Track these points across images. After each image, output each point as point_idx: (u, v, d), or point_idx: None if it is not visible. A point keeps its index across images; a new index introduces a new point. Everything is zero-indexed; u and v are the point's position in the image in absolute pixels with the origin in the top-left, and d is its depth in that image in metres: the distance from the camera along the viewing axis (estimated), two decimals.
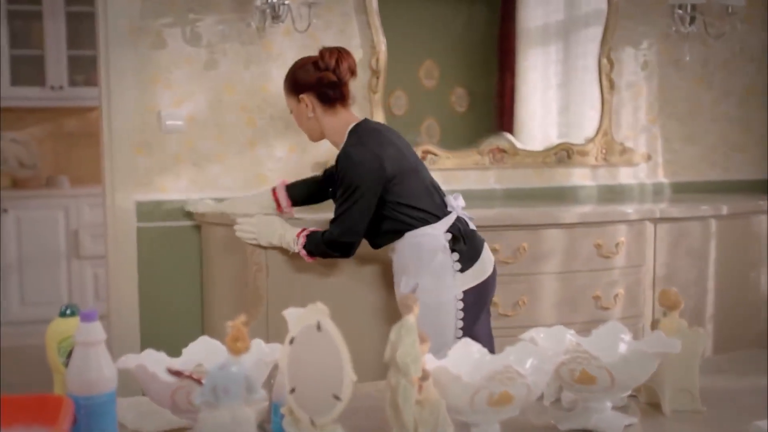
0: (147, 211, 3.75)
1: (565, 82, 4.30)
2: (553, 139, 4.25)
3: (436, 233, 2.97)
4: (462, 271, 2.97)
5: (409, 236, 2.99)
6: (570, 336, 2.08)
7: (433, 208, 3.00)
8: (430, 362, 1.83)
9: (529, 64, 4.28)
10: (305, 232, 3.11)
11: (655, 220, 3.73)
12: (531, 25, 4.28)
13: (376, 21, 3.90)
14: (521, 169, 4.18)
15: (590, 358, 1.93)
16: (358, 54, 3.93)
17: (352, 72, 3.06)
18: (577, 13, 4.30)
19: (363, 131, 3.00)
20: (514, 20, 4.25)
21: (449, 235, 2.98)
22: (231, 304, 3.52)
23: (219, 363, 1.55)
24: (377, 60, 3.93)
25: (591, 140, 4.25)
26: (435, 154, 4.06)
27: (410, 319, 1.72)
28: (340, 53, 3.05)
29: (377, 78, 3.94)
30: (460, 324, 2.97)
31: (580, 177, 4.28)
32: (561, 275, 3.58)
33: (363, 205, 2.93)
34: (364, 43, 3.94)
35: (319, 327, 1.68)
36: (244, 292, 3.38)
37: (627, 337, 2.07)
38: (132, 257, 3.74)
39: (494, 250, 3.48)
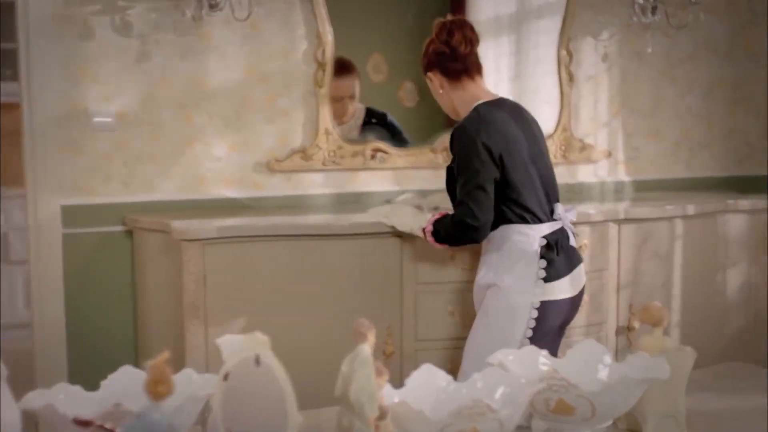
0: (74, 215, 3.47)
1: (519, 75, 4.10)
2: None
3: (532, 235, 2.85)
4: (546, 280, 2.84)
5: (505, 230, 2.87)
6: (543, 359, 1.86)
7: (536, 209, 2.87)
8: (388, 396, 1.59)
9: (480, 56, 4.05)
10: (438, 215, 2.96)
11: (619, 221, 3.54)
12: (482, 17, 4.07)
13: (322, 10, 3.66)
14: None
15: (568, 387, 1.71)
16: (302, 45, 3.69)
17: (469, 42, 2.91)
18: (530, 4, 4.09)
19: (485, 110, 2.88)
20: (465, 12, 4.04)
21: (544, 242, 2.85)
22: (166, 318, 3.26)
23: (138, 410, 1.29)
24: (323, 52, 3.68)
25: (549, 136, 4.05)
26: (385, 152, 3.82)
27: (365, 349, 1.47)
28: (453, 24, 2.94)
29: (323, 71, 3.69)
30: (530, 334, 2.83)
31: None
32: None
33: (479, 181, 2.79)
34: (309, 34, 3.70)
35: (257, 361, 1.43)
36: (179, 304, 3.12)
37: (608, 359, 1.85)
38: (57, 266, 3.46)
39: (451, 256, 3.27)
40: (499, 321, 2.84)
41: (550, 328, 2.89)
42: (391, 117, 3.94)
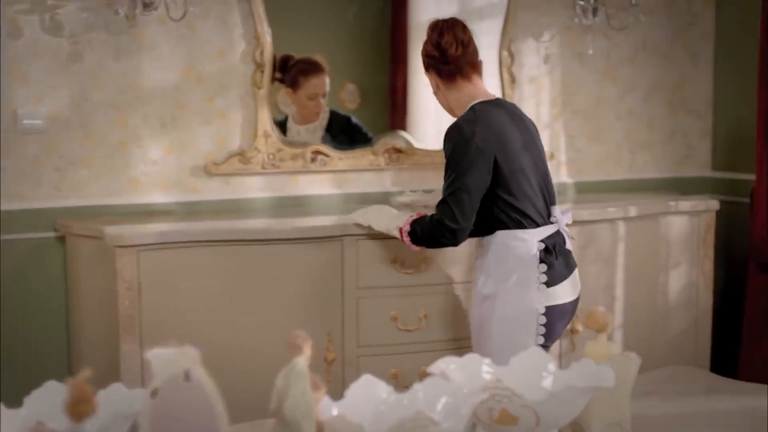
0: (3, 221, 3.34)
1: None
2: None
3: (529, 240, 2.80)
4: (548, 285, 2.79)
5: (500, 236, 2.81)
6: (486, 367, 1.81)
7: (533, 213, 2.82)
8: (326, 409, 1.52)
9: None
10: (416, 216, 2.90)
11: None
12: (423, 18, 4.02)
13: (260, 10, 3.57)
14: (419, 170, 3.91)
15: (512, 396, 1.66)
16: (240, 46, 3.61)
17: (460, 43, 2.86)
18: (472, 5, 4.06)
19: (482, 110, 2.83)
20: (406, 13, 3.99)
21: (542, 245, 2.80)
22: (100, 327, 3.15)
23: (60, 430, 1.21)
24: (262, 52, 3.60)
25: None
26: (326, 155, 3.75)
27: (300, 362, 1.40)
28: (444, 24, 2.90)
29: (262, 72, 3.61)
30: (541, 341, 2.78)
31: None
32: (464, 285, 3.33)
33: (466, 184, 2.73)
34: (247, 34, 3.61)
35: (187, 377, 1.35)
36: (114, 313, 3.02)
37: (552, 366, 1.81)
38: None
39: (393, 261, 3.22)
40: (504, 330, 2.77)
41: (558, 334, 2.86)
42: (355, 120, 3.89)
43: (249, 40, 3.61)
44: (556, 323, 2.82)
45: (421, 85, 3.98)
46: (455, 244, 2.82)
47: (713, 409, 2.12)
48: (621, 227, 3.63)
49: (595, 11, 3.95)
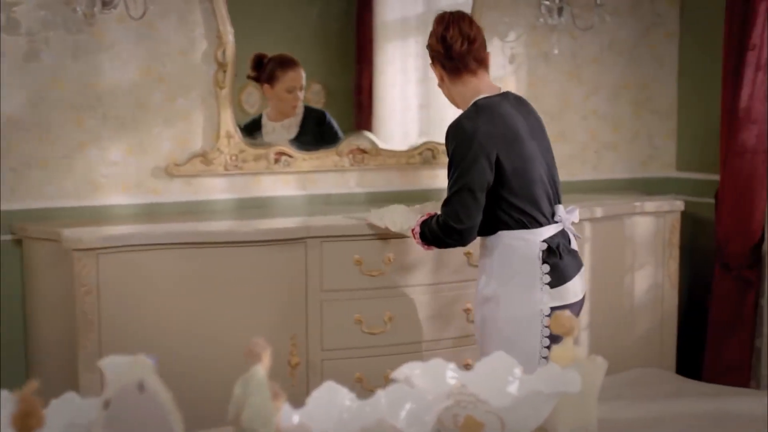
0: None
1: (427, 77, 4.02)
2: (415, 138, 3.97)
3: (532, 240, 2.76)
4: (552, 285, 2.75)
5: (503, 236, 2.77)
6: (451, 372, 1.77)
7: (536, 213, 2.77)
8: (286, 417, 1.48)
9: (387, 58, 3.99)
10: (426, 217, 2.87)
11: None
12: (389, 17, 3.99)
13: (222, 8, 3.52)
14: (384, 170, 3.88)
15: (477, 402, 1.63)
16: (202, 45, 3.55)
17: (465, 38, 2.80)
18: (437, 4, 4.02)
19: (484, 105, 2.77)
20: (372, 12, 3.95)
21: (545, 246, 2.76)
22: (58, 333, 3.09)
23: None
24: (224, 52, 3.54)
25: None
26: (290, 156, 3.70)
27: (259, 371, 1.36)
28: (451, 17, 2.84)
29: (224, 72, 3.55)
30: (546, 342, 2.73)
31: (446, 178, 3.99)
32: (429, 287, 3.30)
33: (469, 183, 2.68)
34: (209, 33, 3.55)
35: (141, 387, 1.30)
36: (72, 317, 2.95)
37: (518, 371, 1.77)
38: None
39: (357, 263, 3.18)
40: (506, 332, 2.74)
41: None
42: (330, 117, 3.86)
43: (211, 39, 3.56)
44: None
45: (387, 85, 3.96)
46: (463, 244, 2.79)
47: (679, 412, 2.10)
48: (587, 228, 3.61)
49: (560, 11, 3.94)
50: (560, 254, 2.78)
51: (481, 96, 2.80)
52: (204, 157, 3.56)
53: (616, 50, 4.25)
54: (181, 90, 3.54)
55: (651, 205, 3.80)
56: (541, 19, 3.94)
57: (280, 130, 3.76)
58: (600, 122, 4.27)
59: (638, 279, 3.78)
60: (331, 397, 1.64)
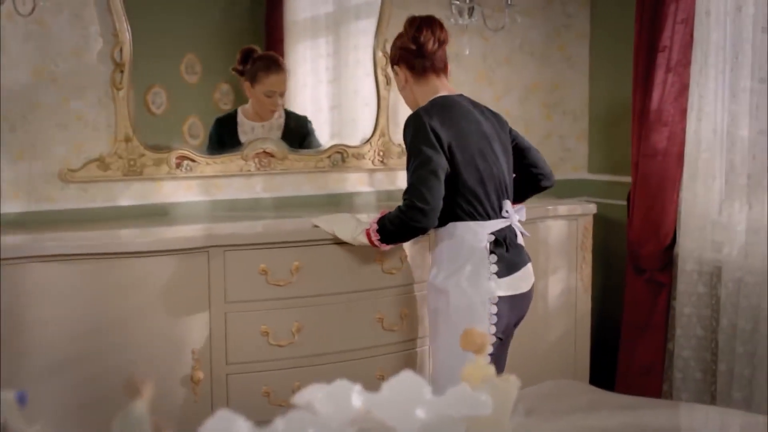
0: None
1: (337, 78, 3.91)
2: (326, 141, 3.85)
3: (480, 232, 2.88)
4: (499, 275, 2.87)
5: (452, 227, 2.89)
6: (356, 396, 1.66)
7: (486, 206, 2.90)
8: None
9: (298, 58, 3.86)
10: (382, 213, 2.93)
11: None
12: (299, 16, 3.86)
13: (118, 5, 3.34)
14: (292, 174, 3.75)
15: (383, 429, 1.51)
16: (97, 44, 3.37)
17: (437, 40, 2.97)
18: (348, 4, 3.92)
19: (439, 102, 2.92)
20: (282, 10, 3.82)
21: (492, 237, 2.88)
22: None
23: None
24: (121, 51, 3.37)
25: (367, 141, 3.88)
26: (192, 160, 3.54)
27: (138, 405, 1.23)
28: (423, 21, 3.00)
29: (122, 72, 3.38)
30: (493, 330, 2.86)
31: (356, 182, 3.90)
32: (340, 296, 3.18)
33: (430, 166, 2.77)
34: (105, 32, 3.38)
35: (4, 429, 1.16)
36: None
37: (427, 393, 1.67)
38: None
39: (263, 272, 3.04)
40: (458, 320, 2.79)
41: (508, 325, 2.93)
42: (311, 123, 3.81)
43: (107, 37, 3.38)
44: (506, 314, 2.89)
45: (297, 85, 3.83)
46: (428, 225, 2.82)
47: (593, 426, 2.04)
48: None
49: (471, 11, 3.88)
50: (507, 246, 2.90)
51: (439, 95, 2.96)
52: (101, 161, 3.39)
53: (527, 51, 4.20)
54: (76, 91, 3.36)
55: (564, 208, 3.75)
56: (452, 20, 3.86)
57: (259, 131, 3.67)
58: (511, 124, 4.19)
59: (551, 283, 3.73)
60: (226, 426, 1.51)
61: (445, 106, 2.91)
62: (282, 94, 3.71)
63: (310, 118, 3.88)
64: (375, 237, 2.92)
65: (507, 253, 2.90)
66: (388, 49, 3.85)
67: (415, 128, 2.84)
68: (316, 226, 3.12)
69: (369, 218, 3.01)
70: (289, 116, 3.76)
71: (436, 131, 2.82)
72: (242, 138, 3.65)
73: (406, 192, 2.82)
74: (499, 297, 2.87)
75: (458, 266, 2.87)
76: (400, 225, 2.84)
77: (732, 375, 3.54)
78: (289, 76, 3.73)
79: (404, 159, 3.84)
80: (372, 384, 1.61)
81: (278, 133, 3.71)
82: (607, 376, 4.04)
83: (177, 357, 2.97)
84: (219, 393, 3.02)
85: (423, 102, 2.97)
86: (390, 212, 2.88)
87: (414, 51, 2.96)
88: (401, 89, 3.07)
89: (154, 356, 2.93)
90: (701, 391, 3.73)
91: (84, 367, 2.86)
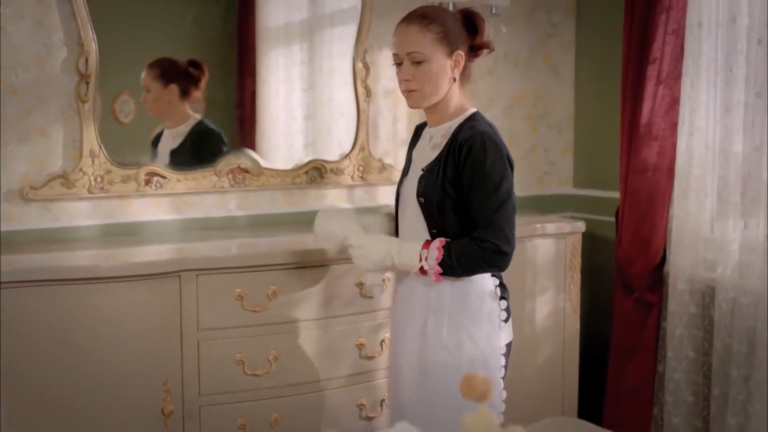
0: None
1: (312, 86, 3.75)
2: (301, 152, 3.69)
3: (485, 276, 2.53)
4: (506, 321, 2.59)
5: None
6: None
7: None
8: None
9: (270, 65, 3.69)
10: (440, 243, 2.46)
11: None
12: (272, 23, 3.70)
13: (83, 12, 3.15)
14: (267, 191, 3.58)
15: None
16: (61, 53, 3.19)
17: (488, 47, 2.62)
18: (322, 10, 3.75)
19: (488, 121, 2.57)
20: (254, 17, 3.65)
21: (496, 281, 2.57)
22: None
23: None
24: (86, 61, 3.18)
25: (346, 156, 3.72)
26: (162, 177, 3.36)
27: None
28: (484, 22, 2.61)
29: (87, 83, 3.19)
30: (503, 384, 2.57)
31: (335, 199, 3.72)
32: (318, 322, 3.01)
33: (513, 203, 2.48)
34: (69, 41, 3.19)
35: None
36: None
37: None
38: None
39: (239, 297, 2.87)
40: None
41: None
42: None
43: (71, 46, 3.19)
44: (508, 361, 2.64)
45: (270, 94, 3.66)
46: (504, 270, 2.53)
47: None
48: None
49: None
50: (505, 287, 2.61)
51: (474, 110, 2.61)
52: (65, 178, 3.20)
53: (511, 62, 4.06)
54: (38, 103, 3.17)
55: (552, 226, 3.60)
56: None
57: (167, 139, 3.47)
58: None
59: (539, 305, 3.59)
60: None
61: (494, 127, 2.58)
62: (147, 90, 3.42)
63: (283, 127, 3.72)
64: (436, 269, 2.49)
65: (508, 293, 2.62)
66: (369, 60, 3.70)
67: (494, 153, 2.44)
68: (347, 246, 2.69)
69: (408, 241, 2.57)
70: (198, 125, 3.53)
71: (511, 161, 2.51)
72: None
73: (488, 230, 2.43)
74: (506, 345, 2.60)
75: (469, 315, 2.51)
76: (473, 267, 2.47)
77: (726, 399, 3.40)
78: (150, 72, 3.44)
79: (385, 174, 3.75)
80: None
81: (179, 140, 3.50)
82: (595, 398, 3.90)
83: (146, 388, 2.78)
84: (192, 427, 2.85)
85: (450, 104, 2.57)
86: (457, 243, 2.47)
87: (478, 47, 2.60)
88: (441, 78, 2.52)
89: (122, 388, 2.74)
90: (693, 414, 3.60)
91: (44, 402, 2.66)
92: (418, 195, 2.54)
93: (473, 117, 2.57)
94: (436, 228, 2.53)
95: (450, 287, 2.52)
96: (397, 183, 2.75)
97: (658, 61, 3.58)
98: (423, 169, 2.56)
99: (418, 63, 2.51)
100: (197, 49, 3.56)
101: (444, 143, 2.54)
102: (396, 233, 2.73)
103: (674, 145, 3.60)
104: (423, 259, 2.48)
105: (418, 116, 3.82)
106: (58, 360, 2.67)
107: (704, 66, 3.47)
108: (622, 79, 3.71)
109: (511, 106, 4.09)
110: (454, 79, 2.56)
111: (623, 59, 3.69)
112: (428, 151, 2.60)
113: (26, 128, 3.16)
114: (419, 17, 2.53)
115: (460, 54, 2.55)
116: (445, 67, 2.52)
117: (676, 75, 3.56)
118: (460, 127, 2.54)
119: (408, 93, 2.56)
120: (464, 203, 2.48)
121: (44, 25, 3.15)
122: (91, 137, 3.23)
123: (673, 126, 3.59)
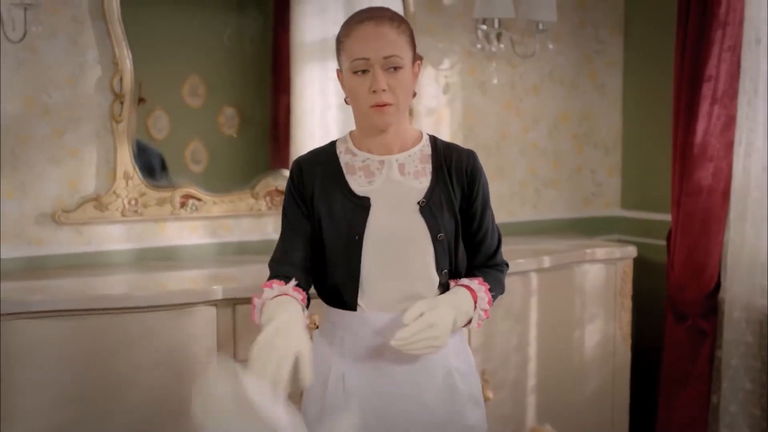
0: None
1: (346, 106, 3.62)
2: None
3: None
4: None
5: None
6: None
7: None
8: None
9: (305, 81, 3.59)
10: (484, 287, 2.11)
11: None
12: (308, 38, 3.59)
13: (117, 29, 3.06)
14: None
15: None
16: (95, 72, 3.11)
17: None
18: None
19: None
20: (289, 33, 3.55)
21: None
22: None
23: None
24: (121, 80, 3.09)
25: None
26: (198, 199, 3.25)
27: None
28: None
29: (121, 103, 3.10)
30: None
31: None
32: None
33: None
34: (103, 58, 3.10)
35: None
36: None
37: None
38: None
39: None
40: (469, 390, 2.14)
41: None
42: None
43: (105, 65, 3.10)
44: None
45: (305, 110, 3.55)
46: None
47: None
48: (534, 279, 3.25)
49: (499, 37, 3.61)
50: None
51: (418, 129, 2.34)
52: (98, 201, 3.10)
53: (557, 79, 3.92)
54: (71, 123, 3.08)
55: (602, 251, 3.46)
56: (479, 46, 3.59)
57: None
58: (540, 157, 3.92)
59: (588, 332, 3.44)
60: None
61: None
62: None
63: (318, 143, 3.60)
64: (485, 316, 2.14)
65: None
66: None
67: (480, 168, 2.16)
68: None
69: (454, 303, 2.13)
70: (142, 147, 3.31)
71: None
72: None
73: (500, 254, 2.20)
74: None
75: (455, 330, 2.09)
76: (501, 293, 2.22)
77: None
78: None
79: None
80: None
81: None
82: (647, 428, 3.74)
83: (179, 423, 2.66)
84: None
85: (404, 121, 2.13)
86: (493, 283, 2.16)
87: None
88: (410, 87, 2.08)
89: (153, 423, 2.63)
90: None
91: None
92: (437, 231, 2.09)
93: (434, 137, 2.21)
94: (449, 266, 2.12)
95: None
96: (341, 226, 2.09)
97: (713, 79, 3.43)
98: (420, 202, 2.09)
99: (395, 69, 2.03)
100: (232, 63, 3.47)
101: (428, 168, 2.12)
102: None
103: (730, 166, 3.45)
104: (480, 308, 2.13)
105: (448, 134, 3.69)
106: (85, 393, 2.58)
107: (762, 84, 3.34)
108: (674, 98, 3.56)
109: (556, 125, 3.95)
110: (414, 93, 2.15)
111: (675, 77, 3.54)
112: (400, 180, 2.12)
113: (59, 149, 3.07)
114: (388, 18, 2.06)
115: (419, 63, 2.12)
116: (411, 75, 2.09)
117: (733, 93, 3.42)
118: (440, 149, 2.15)
119: (380, 108, 2.03)
120: (468, 232, 2.16)
121: (78, 44, 3.07)
122: (125, 158, 3.13)
123: (729, 146, 3.44)
